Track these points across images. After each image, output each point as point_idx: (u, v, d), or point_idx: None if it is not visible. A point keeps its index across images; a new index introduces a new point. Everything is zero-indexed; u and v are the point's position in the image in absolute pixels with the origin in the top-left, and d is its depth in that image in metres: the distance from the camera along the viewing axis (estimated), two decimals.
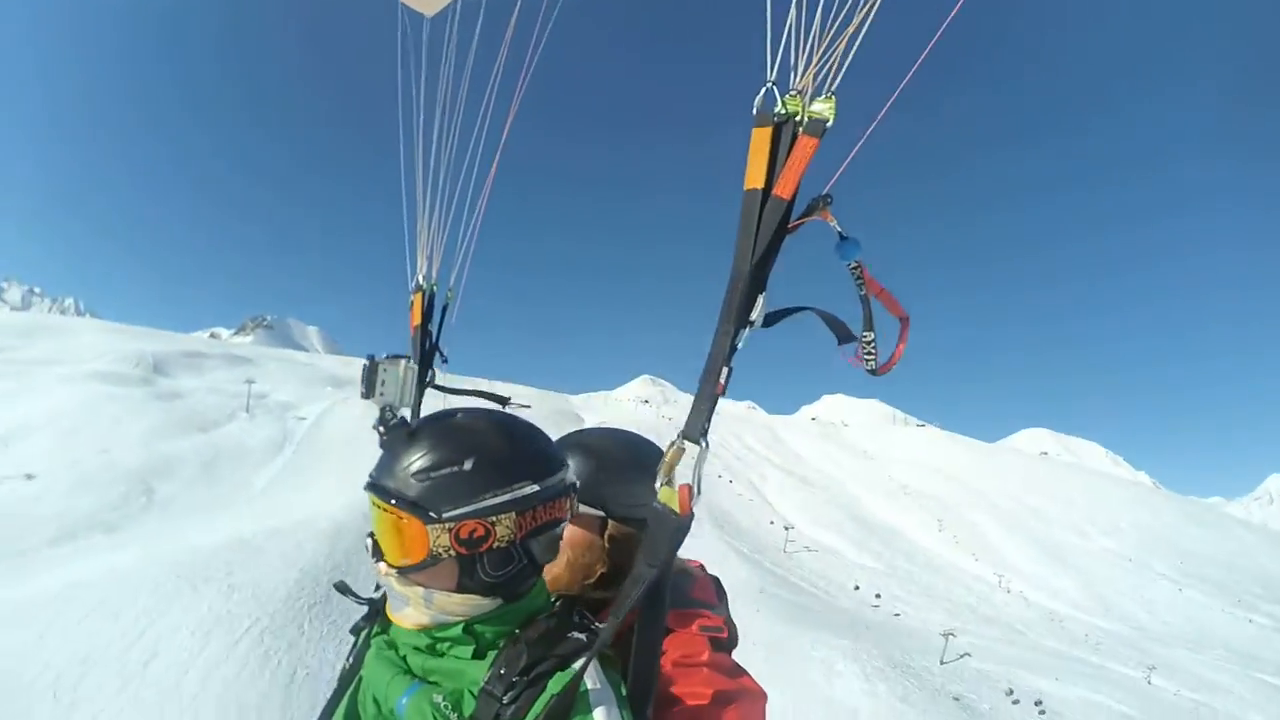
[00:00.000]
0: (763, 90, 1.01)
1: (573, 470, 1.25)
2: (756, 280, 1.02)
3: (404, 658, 1.15)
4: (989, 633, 23.63)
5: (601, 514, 1.39)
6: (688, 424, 1.04)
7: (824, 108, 0.97)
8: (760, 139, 1.00)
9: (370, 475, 1.12)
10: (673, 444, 1.03)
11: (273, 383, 25.47)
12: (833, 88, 0.99)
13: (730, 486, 36.45)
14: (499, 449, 1.11)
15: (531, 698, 1.04)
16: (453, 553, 1.08)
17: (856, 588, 26.62)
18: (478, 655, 1.11)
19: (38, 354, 18.58)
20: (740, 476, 40.02)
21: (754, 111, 1.02)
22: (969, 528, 42.86)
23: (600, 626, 1.11)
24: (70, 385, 16.09)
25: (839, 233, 1.00)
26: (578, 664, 1.05)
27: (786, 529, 31.63)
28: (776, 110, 1.00)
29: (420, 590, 1.10)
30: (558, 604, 1.16)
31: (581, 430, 1.58)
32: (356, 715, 1.20)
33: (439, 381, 1.83)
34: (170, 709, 7.76)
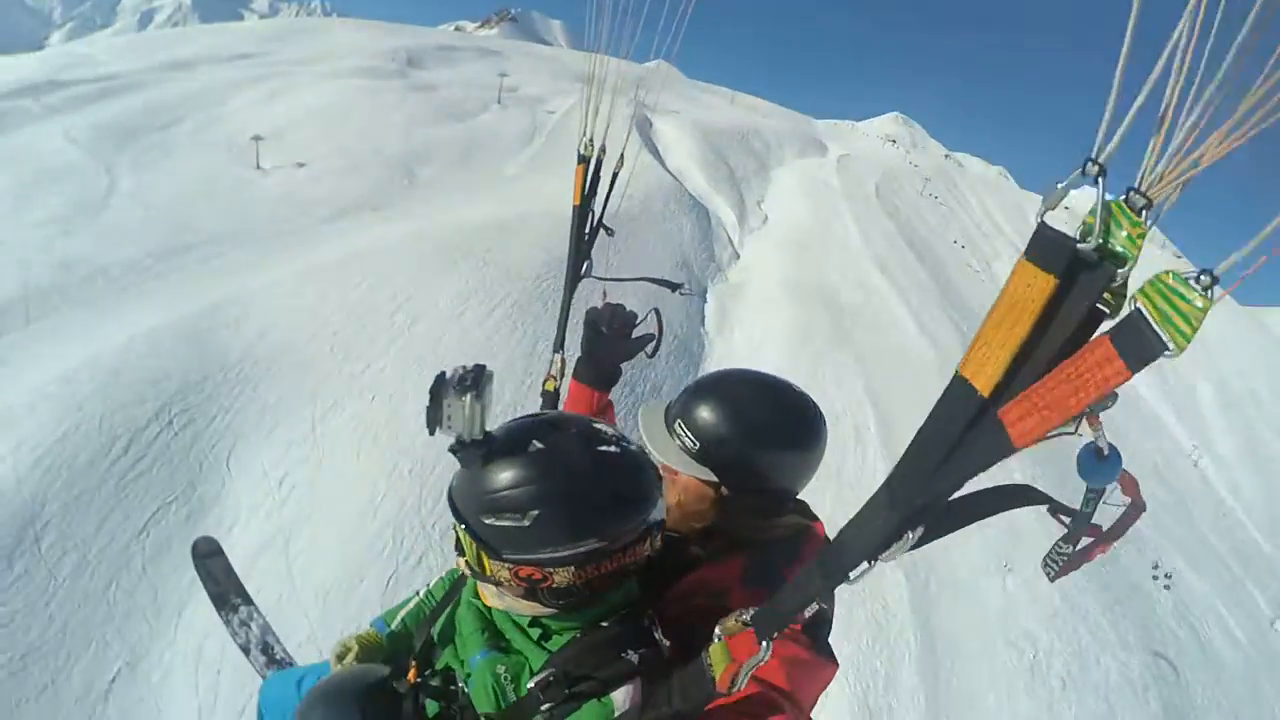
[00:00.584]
0: (1075, 173, 0.61)
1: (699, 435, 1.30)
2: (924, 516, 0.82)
3: (490, 608, 1.23)
4: (1161, 495, 19.21)
5: (716, 480, 1.32)
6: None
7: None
8: (1028, 288, 0.65)
9: (450, 486, 1.18)
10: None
11: (522, 76, 24.56)
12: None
13: (961, 254, 30.31)
14: (562, 505, 1.06)
15: (565, 713, 1.08)
16: (512, 584, 1.13)
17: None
18: (544, 638, 1.17)
19: (296, 55, 19.25)
20: (975, 247, 33.21)
21: (1038, 215, 0.68)
22: (1186, 390, 32.71)
23: (662, 643, 1.12)
24: (331, 81, 16.51)
25: (1098, 447, 0.73)
26: (615, 698, 1.07)
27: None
28: (1088, 239, 0.60)
29: (492, 587, 1.18)
30: (628, 610, 1.17)
31: (733, 376, 1.45)
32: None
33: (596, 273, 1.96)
34: (429, 363, 7.86)
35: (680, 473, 1.41)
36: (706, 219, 15.27)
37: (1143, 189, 0.58)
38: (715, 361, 11.37)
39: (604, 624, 1.15)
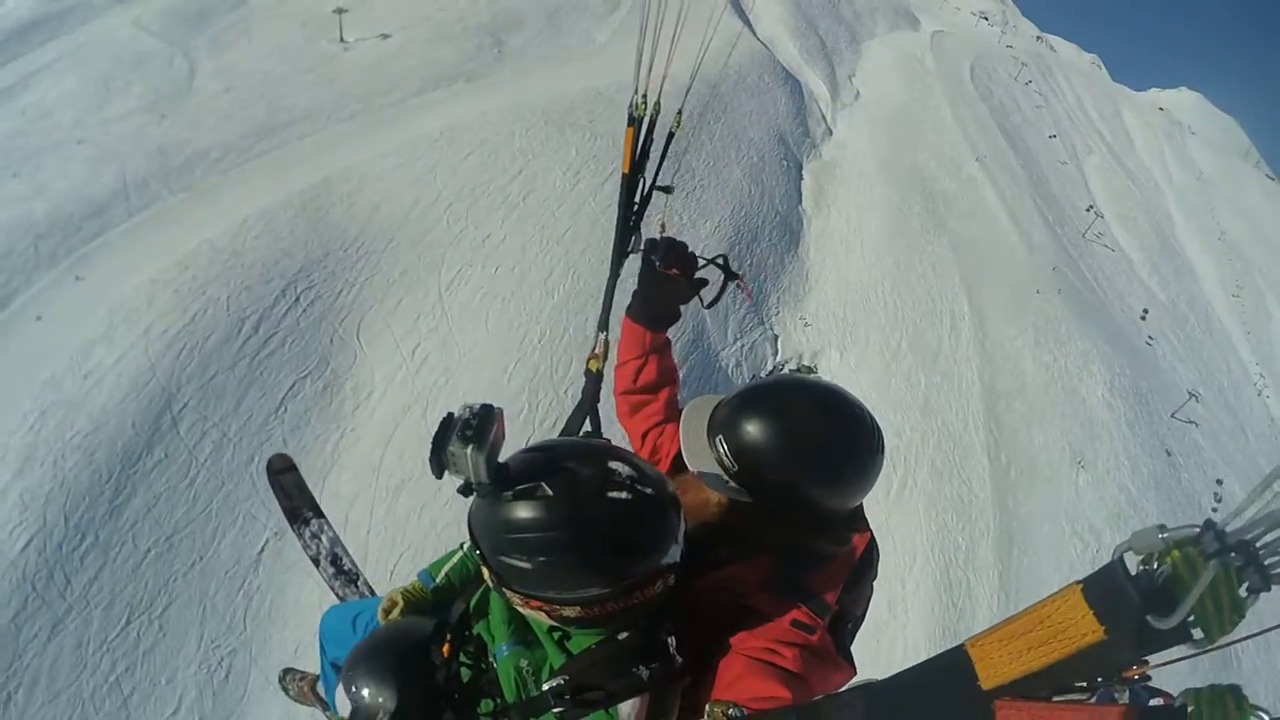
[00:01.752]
0: (1188, 531, 0.66)
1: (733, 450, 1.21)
2: None
3: None
4: (1223, 419, 18.57)
5: (750, 501, 1.26)
6: None
7: None
8: (1072, 624, 0.69)
9: (469, 510, 1.14)
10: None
11: None
12: None
13: (1051, 145, 27.78)
14: (566, 555, 1.06)
15: (574, 717, 1.10)
16: (524, 610, 1.16)
17: (1144, 314, 20.73)
18: (565, 639, 1.17)
19: None
20: (1065, 137, 30.45)
21: (1116, 551, 0.72)
22: (1264, 318, 29.86)
23: (675, 659, 1.11)
24: None
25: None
26: (622, 710, 1.10)
27: (1095, 215, 24.03)
28: (1164, 610, 0.64)
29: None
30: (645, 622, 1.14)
31: (785, 391, 1.34)
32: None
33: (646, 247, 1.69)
34: (549, 234, 7.67)
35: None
36: (799, 92, 14.05)
37: (1268, 565, 0.53)
38: (814, 239, 10.69)
39: (622, 635, 1.15)
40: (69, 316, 7.58)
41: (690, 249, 1.72)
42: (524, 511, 1.06)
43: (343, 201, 7.37)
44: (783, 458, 1.23)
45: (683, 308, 1.80)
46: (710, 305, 1.78)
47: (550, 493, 1.06)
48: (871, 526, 1.42)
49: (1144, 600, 0.64)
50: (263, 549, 5.90)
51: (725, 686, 1.14)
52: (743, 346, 8.28)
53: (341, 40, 10.84)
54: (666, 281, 1.69)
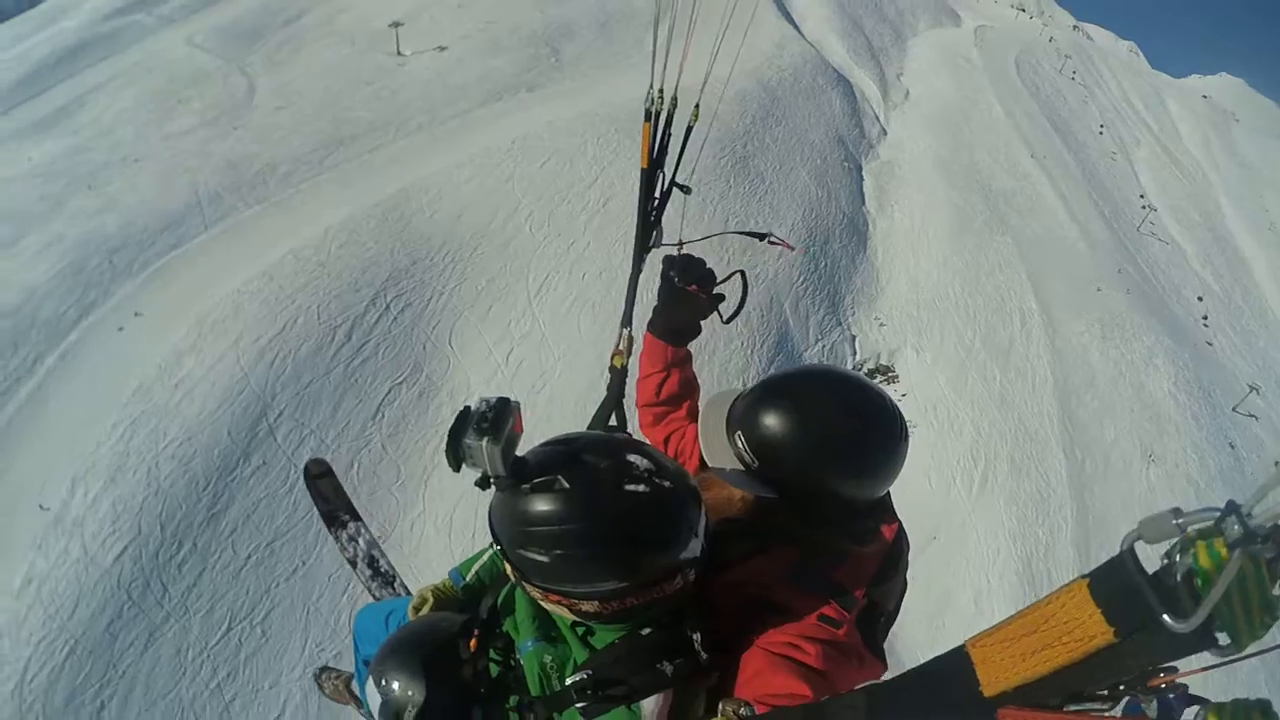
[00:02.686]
0: (1207, 518, 0.56)
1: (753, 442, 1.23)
2: None
3: None
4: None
5: (774, 497, 1.25)
6: None
7: None
8: (1078, 625, 0.61)
9: (490, 504, 1.14)
10: None
11: None
12: None
13: (1100, 138, 27.74)
14: (580, 548, 1.06)
15: (596, 712, 1.12)
16: (545, 604, 1.18)
17: (1200, 299, 20.55)
18: (589, 635, 1.19)
19: None
20: (1113, 129, 30.36)
21: (1126, 541, 0.62)
22: None
23: (700, 655, 1.12)
24: None
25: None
26: (645, 706, 1.11)
27: (1148, 208, 23.93)
28: (1183, 609, 0.55)
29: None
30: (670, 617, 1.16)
31: (805, 382, 1.32)
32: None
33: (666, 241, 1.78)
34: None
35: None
36: (851, 93, 14.17)
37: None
38: (880, 240, 10.81)
39: (646, 630, 1.17)
40: (152, 328, 7.81)
41: (708, 265, 1.74)
42: (540, 504, 1.08)
43: (424, 211, 7.55)
44: (801, 450, 1.23)
45: (702, 323, 1.80)
46: (729, 320, 1.80)
47: (566, 485, 1.08)
48: (900, 517, 1.41)
49: (1159, 598, 0.56)
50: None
51: (745, 682, 1.14)
52: (824, 347, 8.35)
53: (399, 54, 11.11)
54: (686, 298, 1.72)
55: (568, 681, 1.15)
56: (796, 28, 15.61)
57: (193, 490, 6.36)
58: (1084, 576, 0.64)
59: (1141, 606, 0.56)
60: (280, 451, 6.45)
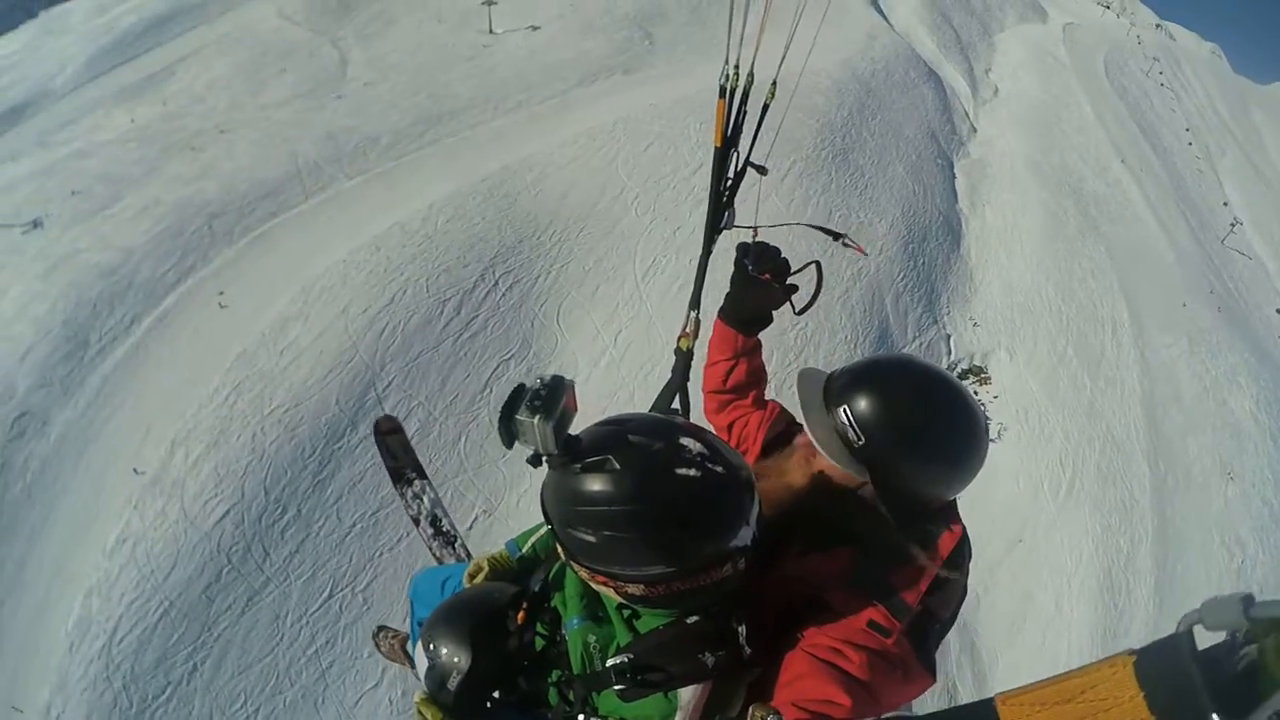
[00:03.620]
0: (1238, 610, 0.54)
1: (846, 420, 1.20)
2: None
3: None
4: None
5: (842, 487, 1.24)
6: None
7: None
8: (1118, 705, 0.56)
9: (541, 486, 1.20)
10: None
11: None
12: None
13: (1189, 149, 26.82)
14: (629, 530, 1.06)
15: (634, 696, 1.14)
16: (593, 584, 1.19)
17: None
18: (634, 618, 1.22)
19: None
20: (1199, 136, 29.27)
21: (1181, 623, 0.59)
22: None
23: (744, 649, 1.10)
24: None
25: None
26: (682, 696, 1.10)
27: (1234, 222, 23.05)
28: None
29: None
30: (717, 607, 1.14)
31: (910, 369, 1.31)
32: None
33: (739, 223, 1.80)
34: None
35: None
36: (941, 88, 13.98)
37: None
38: (974, 239, 10.69)
39: (691, 619, 1.14)
40: (255, 294, 8.03)
41: (783, 254, 1.72)
42: (590, 484, 1.09)
43: (529, 189, 7.63)
44: (910, 431, 1.22)
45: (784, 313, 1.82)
46: (802, 312, 1.78)
47: (618, 466, 1.08)
48: (964, 521, 1.38)
49: (1211, 692, 0.51)
50: (471, 525, 6.13)
51: (784, 684, 1.13)
52: (921, 345, 8.27)
53: (491, 31, 11.24)
54: (758, 286, 1.71)
55: (608, 663, 1.17)
56: (885, 18, 15.43)
57: (298, 457, 6.49)
58: (1131, 652, 0.59)
59: (1189, 699, 0.51)
60: None
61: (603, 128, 8.64)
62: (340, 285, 7.28)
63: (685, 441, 1.13)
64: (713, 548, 1.10)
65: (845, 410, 1.27)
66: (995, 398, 8.79)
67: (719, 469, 1.12)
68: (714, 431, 1.67)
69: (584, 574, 1.18)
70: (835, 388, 1.33)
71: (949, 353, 8.70)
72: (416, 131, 9.08)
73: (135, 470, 6.89)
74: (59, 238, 10.35)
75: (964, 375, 8.74)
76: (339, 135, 9.37)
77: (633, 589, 1.13)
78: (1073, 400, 9.00)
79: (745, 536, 1.13)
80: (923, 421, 1.22)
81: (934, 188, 10.66)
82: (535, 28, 11.30)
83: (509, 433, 1.14)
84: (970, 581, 1.41)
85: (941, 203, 10.55)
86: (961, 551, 1.32)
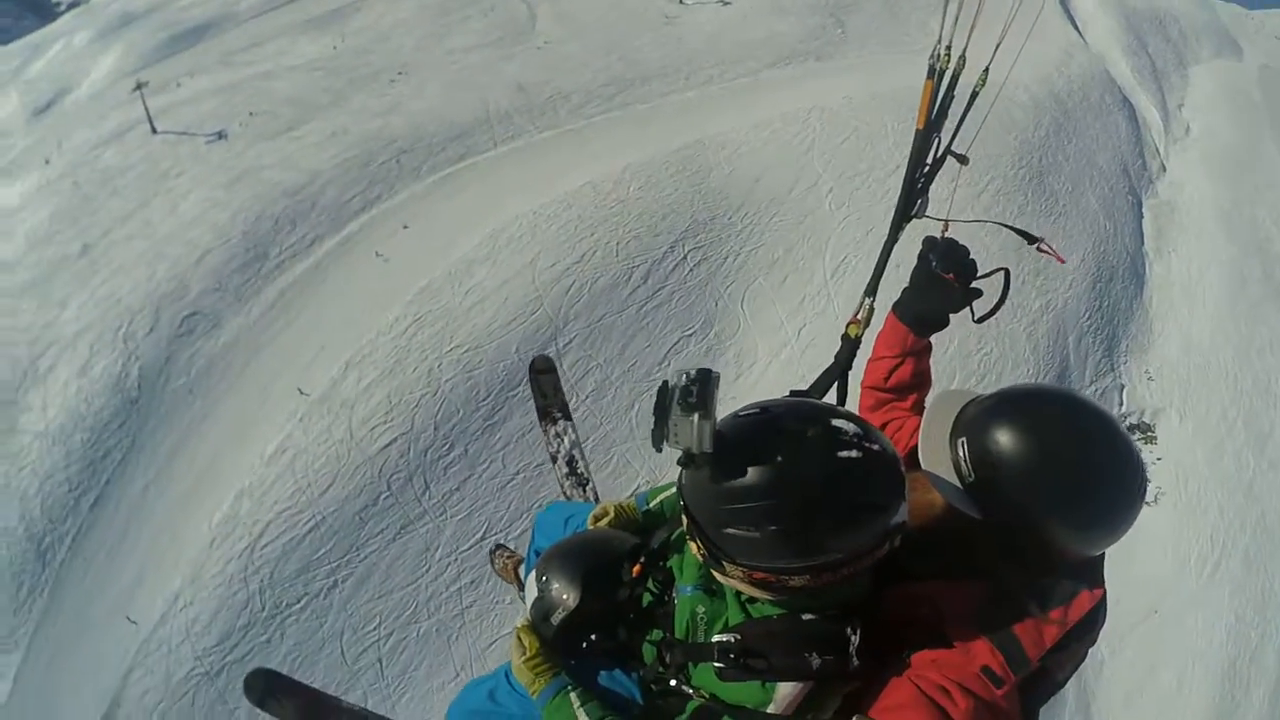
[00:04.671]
0: None
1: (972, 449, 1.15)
2: None
3: None
4: None
5: (979, 520, 1.16)
6: None
7: None
8: None
9: (679, 484, 1.18)
10: None
11: None
12: None
13: None
14: (798, 521, 1.03)
15: (732, 677, 1.14)
16: (744, 582, 1.15)
17: None
18: (750, 601, 1.20)
19: None
20: None
21: None
22: None
23: (852, 659, 1.08)
24: None
25: None
26: (780, 690, 1.09)
27: None
28: None
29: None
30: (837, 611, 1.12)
31: (1057, 407, 1.20)
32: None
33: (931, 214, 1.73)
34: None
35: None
36: (1134, 118, 13.25)
37: None
38: (1156, 286, 10.15)
39: (806, 616, 1.12)
40: (441, 232, 8.40)
41: (971, 255, 1.64)
42: (752, 479, 1.03)
43: (722, 166, 7.68)
44: (1028, 479, 1.12)
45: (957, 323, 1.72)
46: (981, 320, 1.68)
47: (780, 458, 1.03)
48: (1106, 584, 1.27)
49: None
50: (632, 494, 6.35)
51: (883, 708, 1.08)
52: (1097, 390, 7.99)
53: (682, 2, 11.29)
54: (941, 285, 1.63)
55: (715, 638, 1.16)
56: (1081, 35, 14.71)
57: (472, 398, 6.74)
58: None
59: None
60: (565, 379, 6.78)
61: (797, 114, 8.58)
62: (529, 236, 7.52)
63: (838, 424, 1.11)
64: (879, 528, 1.09)
65: (964, 443, 1.22)
66: (1159, 460, 8.42)
67: (876, 446, 1.10)
68: None
69: (739, 574, 1.14)
70: (962, 419, 1.27)
71: (1121, 404, 8.36)
72: (607, 93, 9.25)
73: (300, 390, 7.26)
74: (244, 152, 11.04)
75: (1130, 430, 8.45)
76: (530, 88, 9.63)
77: (795, 581, 1.10)
78: (1234, 476, 8.53)
79: (904, 511, 1.12)
80: (1050, 469, 1.13)
81: (1124, 226, 10.19)
82: (726, 3, 11.29)
83: (663, 434, 1.11)
84: (1097, 643, 1.34)
85: (1130, 243, 10.07)
86: (1095, 616, 1.24)
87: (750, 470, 1.06)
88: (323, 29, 14.11)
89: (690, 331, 6.69)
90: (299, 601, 5.98)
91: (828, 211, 7.44)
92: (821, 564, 1.07)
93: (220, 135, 12.20)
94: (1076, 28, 14.96)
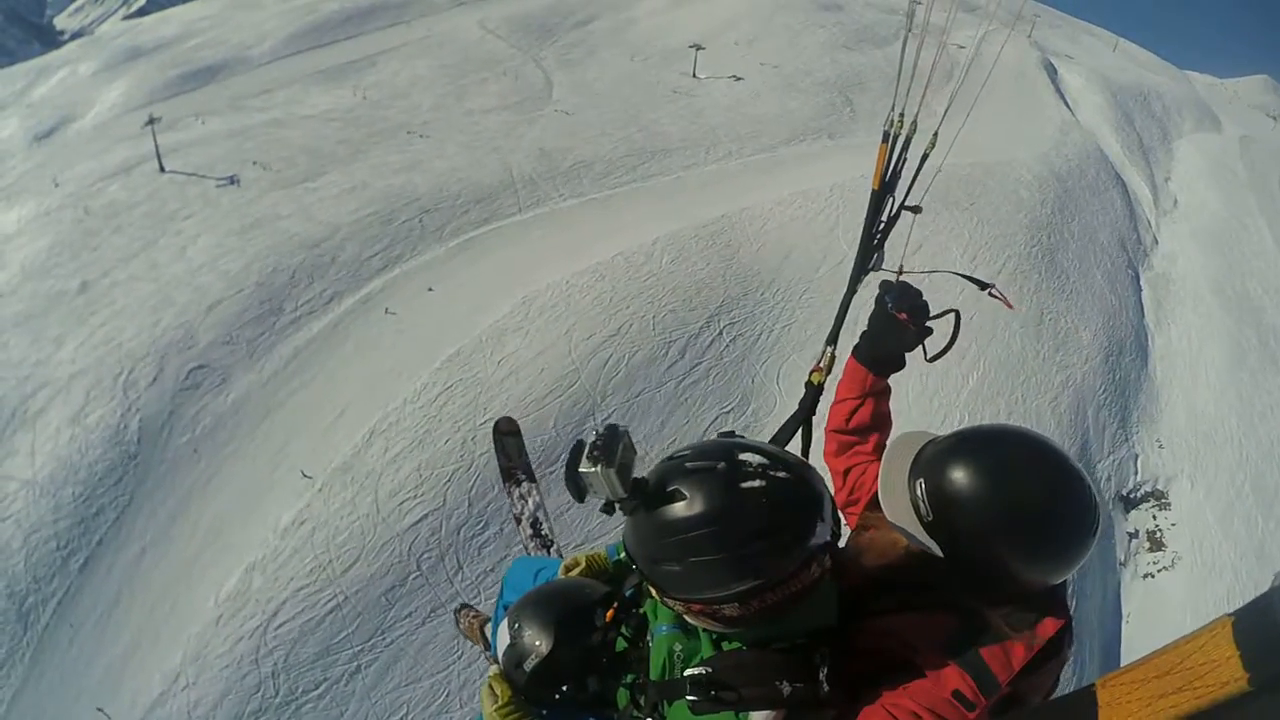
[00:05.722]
0: None
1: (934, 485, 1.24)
2: None
3: None
4: None
5: (940, 556, 1.22)
6: None
7: None
8: (1213, 665, 0.60)
9: (623, 534, 1.24)
10: None
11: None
12: None
13: None
14: (709, 552, 1.11)
15: (705, 710, 1.17)
16: (690, 616, 1.23)
17: None
18: (721, 638, 1.24)
19: None
20: None
21: None
22: None
23: (821, 686, 1.14)
24: None
25: None
26: (753, 719, 1.15)
27: None
28: None
29: None
30: (805, 640, 1.21)
31: (1006, 446, 1.24)
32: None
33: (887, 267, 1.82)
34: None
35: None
36: (1127, 193, 13.90)
37: None
38: (1160, 357, 10.56)
39: (775, 645, 1.21)
40: (468, 297, 8.44)
41: (924, 298, 1.74)
42: (665, 517, 1.12)
43: (750, 242, 7.93)
44: (982, 516, 1.18)
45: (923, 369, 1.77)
46: (933, 359, 1.76)
47: (685, 494, 1.11)
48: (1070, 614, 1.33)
49: None
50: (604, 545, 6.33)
51: None
52: (1114, 461, 8.24)
53: (695, 76, 11.73)
54: (896, 325, 1.72)
55: (686, 673, 1.20)
56: (1072, 112, 15.47)
57: None
58: (1230, 615, 0.60)
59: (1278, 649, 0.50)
60: None
61: (819, 191, 8.91)
62: (563, 305, 7.54)
63: (744, 457, 1.17)
64: (795, 552, 1.12)
65: (921, 484, 1.27)
66: (1174, 525, 8.66)
67: (781, 474, 1.15)
68: (829, 472, 1.74)
69: (679, 608, 1.21)
70: (920, 459, 1.31)
71: (1135, 473, 8.63)
72: (629, 164, 9.54)
73: (303, 473, 7.08)
74: (257, 199, 10.98)
75: (1144, 499, 8.70)
76: (553, 154, 9.88)
77: (728, 610, 1.15)
78: (1245, 539, 8.78)
79: (823, 533, 1.16)
80: (1001, 507, 1.18)
81: (1126, 300, 10.62)
82: (738, 78, 11.77)
83: (577, 486, 1.18)
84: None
85: (1133, 316, 10.51)
86: (1061, 640, 1.27)
87: (663, 509, 1.13)
88: (337, 81, 14.22)
89: (728, 408, 6.82)
90: (317, 688, 5.84)
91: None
92: (745, 591, 1.12)
93: (232, 180, 12.08)
94: (1068, 104, 15.78)
